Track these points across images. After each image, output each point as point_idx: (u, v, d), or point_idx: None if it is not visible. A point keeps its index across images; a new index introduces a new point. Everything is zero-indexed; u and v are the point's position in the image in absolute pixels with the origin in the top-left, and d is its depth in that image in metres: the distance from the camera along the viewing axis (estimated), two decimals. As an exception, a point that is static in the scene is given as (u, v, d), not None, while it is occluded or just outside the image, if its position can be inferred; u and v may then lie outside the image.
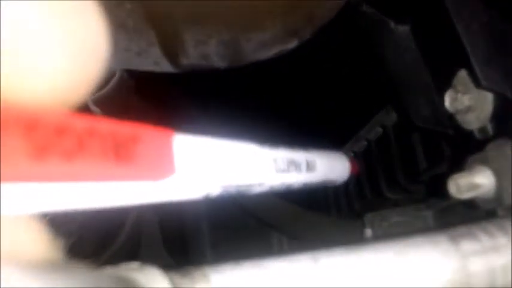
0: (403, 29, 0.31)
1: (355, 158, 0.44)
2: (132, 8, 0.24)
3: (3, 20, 0.08)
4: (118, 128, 0.11)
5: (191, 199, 0.16)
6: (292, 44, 0.29)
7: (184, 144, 0.15)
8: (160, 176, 0.13)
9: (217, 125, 0.38)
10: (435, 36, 0.29)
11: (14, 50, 0.09)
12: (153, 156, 0.12)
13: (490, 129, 0.26)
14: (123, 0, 0.24)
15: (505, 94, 0.26)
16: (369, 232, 0.37)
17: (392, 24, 0.31)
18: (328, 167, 0.27)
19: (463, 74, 0.27)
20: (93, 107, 0.44)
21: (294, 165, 0.23)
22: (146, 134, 0.12)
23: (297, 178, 0.23)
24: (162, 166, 0.13)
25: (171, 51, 0.28)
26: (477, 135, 0.27)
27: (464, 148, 0.27)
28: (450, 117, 0.28)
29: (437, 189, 0.34)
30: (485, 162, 0.25)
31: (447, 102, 0.28)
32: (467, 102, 0.27)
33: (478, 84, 0.26)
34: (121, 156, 0.11)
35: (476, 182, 0.25)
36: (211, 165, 0.17)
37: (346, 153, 0.42)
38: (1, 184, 0.08)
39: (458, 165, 0.26)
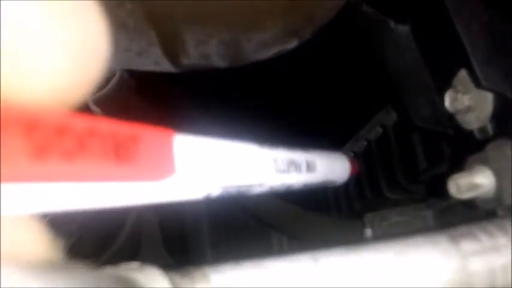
0: (403, 29, 0.31)
1: (355, 158, 0.44)
2: (133, 7, 0.24)
3: (3, 20, 0.08)
4: (118, 128, 0.11)
5: (191, 199, 0.16)
6: (293, 44, 0.29)
7: (184, 145, 0.15)
8: (160, 176, 0.13)
9: (217, 125, 0.38)
10: (435, 36, 0.29)
11: (14, 50, 0.09)
12: (153, 156, 0.12)
13: (490, 129, 0.26)
14: (123, 0, 0.24)
15: (505, 94, 0.26)
16: (369, 232, 0.37)
17: (392, 24, 0.31)
18: (328, 168, 0.27)
19: (463, 74, 0.27)
20: (93, 107, 0.44)
21: (294, 165, 0.23)
22: (146, 134, 0.12)
23: (297, 178, 0.23)
24: (163, 166, 0.13)
25: (171, 51, 0.28)
26: (477, 135, 0.27)
27: (464, 148, 0.27)
28: (450, 117, 0.28)
29: (437, 189, 0.34)
30: (485, 162, 0.25)
31: (447, 102, 0.28)
32: (467, 102, 0.27)
33: (478, 84, 0.26)
34: (121, 156, 0.11)
35: (476, 182, 0.25)
36: (211, 165, 0.17)
37: (346, 153, 0.42)
38: (1, 184, 0.08)
39: (458, 165, 0.26)
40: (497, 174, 0.25)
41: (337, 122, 0.46)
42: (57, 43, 0.09)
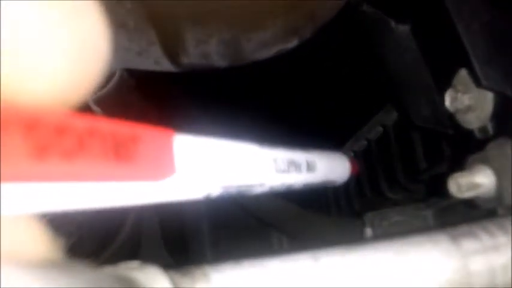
0: (404, 28, 0.31)
1: (355, 158, 0.44)
2: (133, 7, 0.24)
3: (3, 20, 0.08)
4: (118, 128, 0.11)
5: (191, 199, 0.16)
6: (293, 43, 0.29)
7: (184, 144, 0.15)
8: (160, 176, 0.13)
9: (217, 125, 0.38)
10: (435, 35, 0.29)
11: (14, 50, 0.09)
12: (153, 156, 0.12)
13: (490, 128, 0.26)
14: (123, 0, 0.24)
15: (505, 93, 0.26)
16: (369, 231, 0.37)
17: (392, 24, 0.31)
18: (328, 168, 0.27)
19: (463, 73, 0.27)
20: (93, 107, 0.44)
21: (294, 165, 0.23)
22: (146, 134, 0.12)
23: (297, 178, 0.23)
24: (163, 166, 0.13)
25: (171, 50, 0.28)
26: (477, 134, 0.27)
27: (464, 147, 0.27)
28: (450, 117, 0.28)
29: (437, 189, 0.34)
30: (486, 162, 0.25)
31: (447, 101, 0.28)
32: (468, 102, 0.27)
33: (478, 83, 0.26)
34: (121, 156, 0.11)
35: (477, 181, 0.25)
36: (211, 165, 0.17)
37: (346, 152, 0.42)
38: (1, 184, 0.08)
39: (458, 164, 0.26)
40: (498, 173, 0.25)
41: (337, 122, 0.46)
42: (57, 43, 0.09)
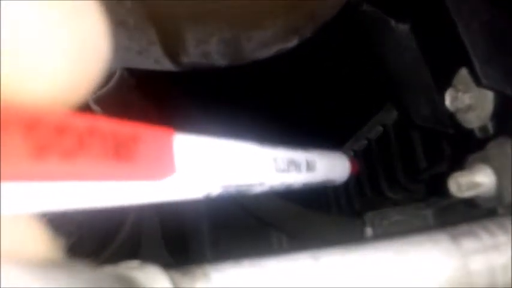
0: (404, 27, 0.31)
1: (356, 157, 0.44)
2: (133, 6, 0.24)
3: (3, 20, 0.08)
4: (118, 128, 0.11)
5: (191, 199, 0.16)
6: (293, 42, 0.29)
7: (184, 144, 0.15)
8: (160, 175, 0.13)
9: (217, 125, 0.38)
10: (435, 35, 0.29)
11: (14, 50, 0.09)
12: (153, 155, 0.12)
13: (490, 127, 0.26)
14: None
15: (505, 92, 0.26)
16: (369, 231, 0.37)
17: (392, 23, 0.31)
18: (328, 167, 0.27)
19: (463, 72, 0.27)
20: (93, 106, 0.44)
21: (294, 165, 0.23)
22: (147, 133, 0.12)
23: (297, 178, 0.23)
24: (163, 166, 0.13)
25: (172, 49, 0.28)
26: (478, 134, 0.27)
27: (464, 147, 0.27)
28: (450, 116, 0.28)
29: (437, 188, 0.34)
30: (486, 161, 0.25)
31: (447, 101, 0.28)
32: (468, 101, 0.27)
33: (478, 82, 0.26)
34: (121, 155, 0.11)
35: (477, 180, 0.25)
36: (211, 165, 0.17)
37: (346, 152, 0.42)
38: (1, 184, 0.08)
39: (458, 164, 0.26)
40: (498, 172, 0.25)
41: (337, 121, 0.46)
42: (57, 43, 0.09)
